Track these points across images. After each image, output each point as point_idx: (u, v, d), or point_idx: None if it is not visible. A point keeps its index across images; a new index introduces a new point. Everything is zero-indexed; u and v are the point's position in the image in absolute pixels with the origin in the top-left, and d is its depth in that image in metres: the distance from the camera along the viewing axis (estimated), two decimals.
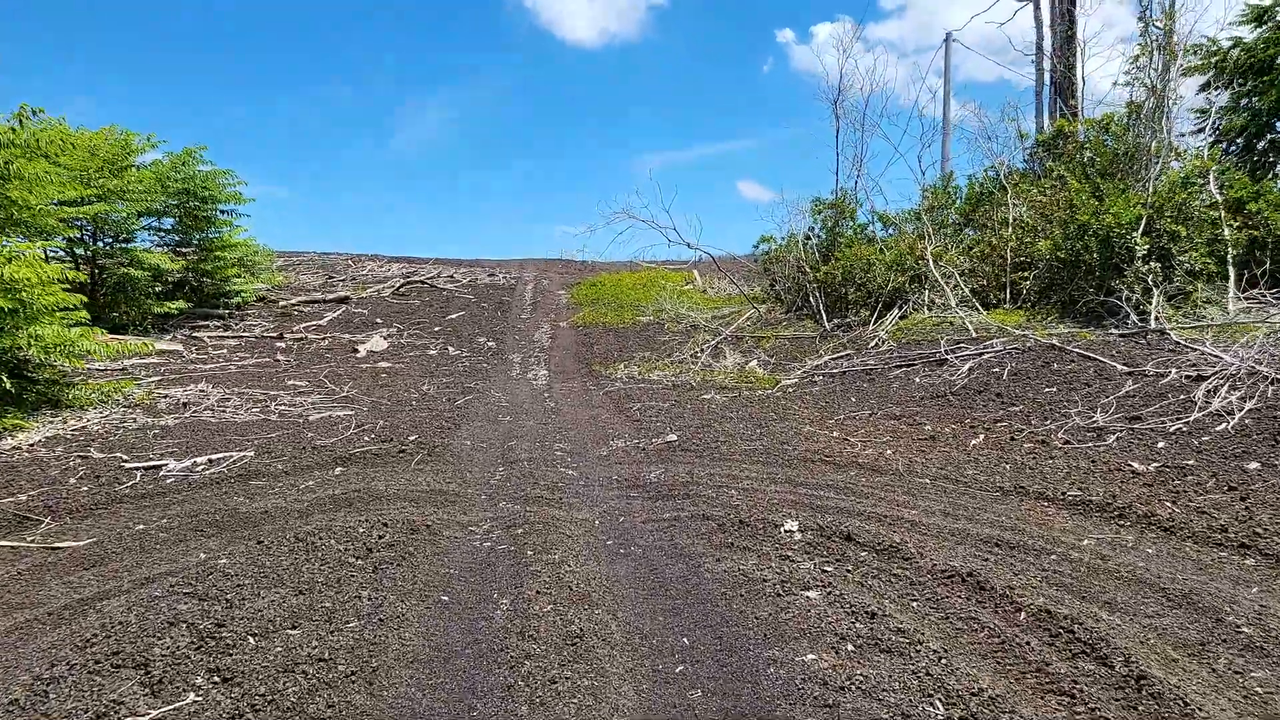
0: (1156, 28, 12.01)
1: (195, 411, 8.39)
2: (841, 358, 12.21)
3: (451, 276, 21.90)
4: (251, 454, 6.44)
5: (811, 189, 29.36)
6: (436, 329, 16.53)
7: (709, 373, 12.46)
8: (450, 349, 14.71)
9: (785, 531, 4.69)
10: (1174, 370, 7.86)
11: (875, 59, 36.68)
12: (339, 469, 6.10)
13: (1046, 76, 18.59)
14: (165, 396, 9.21)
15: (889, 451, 7.19)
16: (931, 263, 13.26)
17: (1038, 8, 19.13)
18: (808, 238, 16.65)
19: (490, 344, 15.27)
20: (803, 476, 6.24)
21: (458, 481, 5.85)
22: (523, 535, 4.62)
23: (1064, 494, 5.63)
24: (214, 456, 6.29)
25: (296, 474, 5.94)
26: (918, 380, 10.19)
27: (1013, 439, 7.45)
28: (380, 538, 4.31)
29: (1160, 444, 6.53)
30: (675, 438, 7.39)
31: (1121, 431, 6.95)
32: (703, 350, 13.96)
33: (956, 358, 10.51)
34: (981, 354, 10.40)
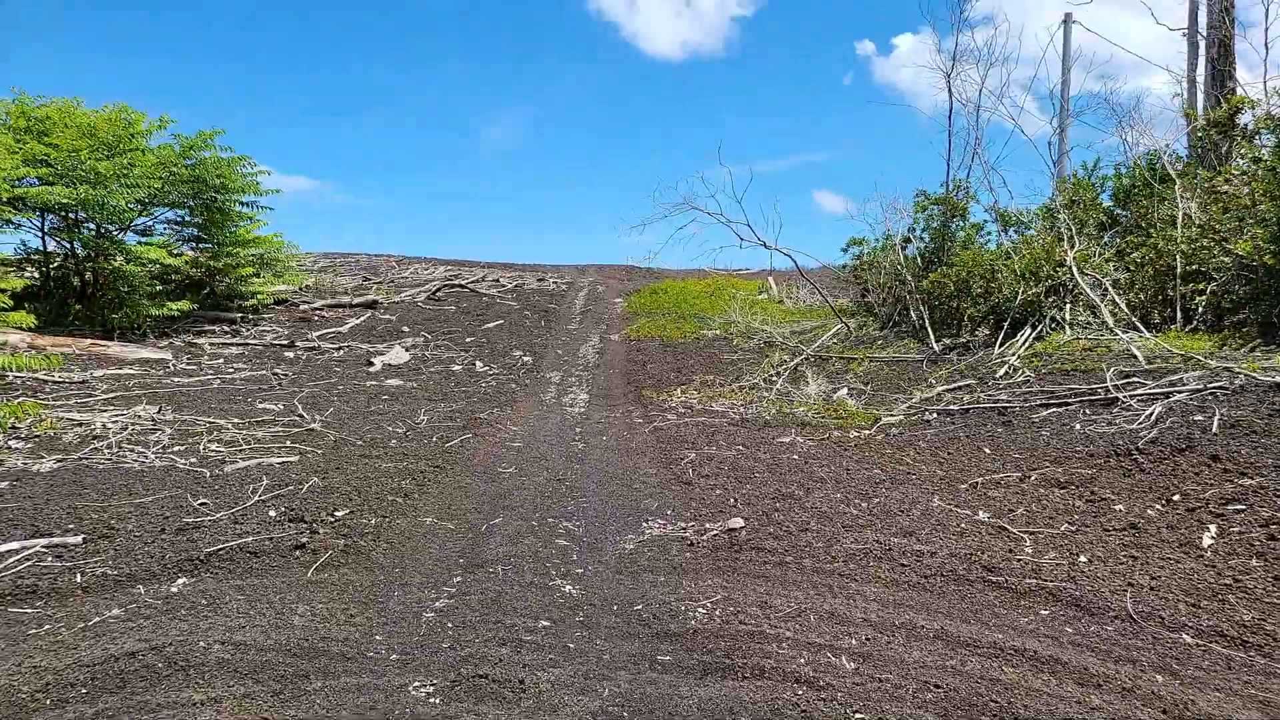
0: None
1: (94, 449, 6.27)
2: (960, 389, 9.44)
3: (497, 281, 19.78)
4: (79, 540, 4.20)
5: (904, 191, 26.20)
6: (469, 340, 14.34)
7: (786, 403, 9.86)
8: (478, 364, 12.47)
9: None
10: None
11: (994, 30, 32.10)
12: (181, 580, 3.79)
13: (1201, 52, 15.33)
14: (80, 424, 7.15)
15: (1083, 558, 4.52)
16: (1075, 271, 10.35)
17: None
18: (907, 240, 13.87)
19: (526, 359, 12.97)
20: (960, 622, 3.62)
21: (362, 618, 3.45)
22: None
23: None
24: (10, 545, 4.06)
25: (103, 591, 3.67)
26: (1078, 427, 7.38)
27: (1274, 539, 4.67)
28: None
29: None
30: (742, 522, 4.84)
31: None
32: (779, 373, 11.35)
33: (1131, 397, 7.66)
34: (1170, 393, 7.52)
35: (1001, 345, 10.27)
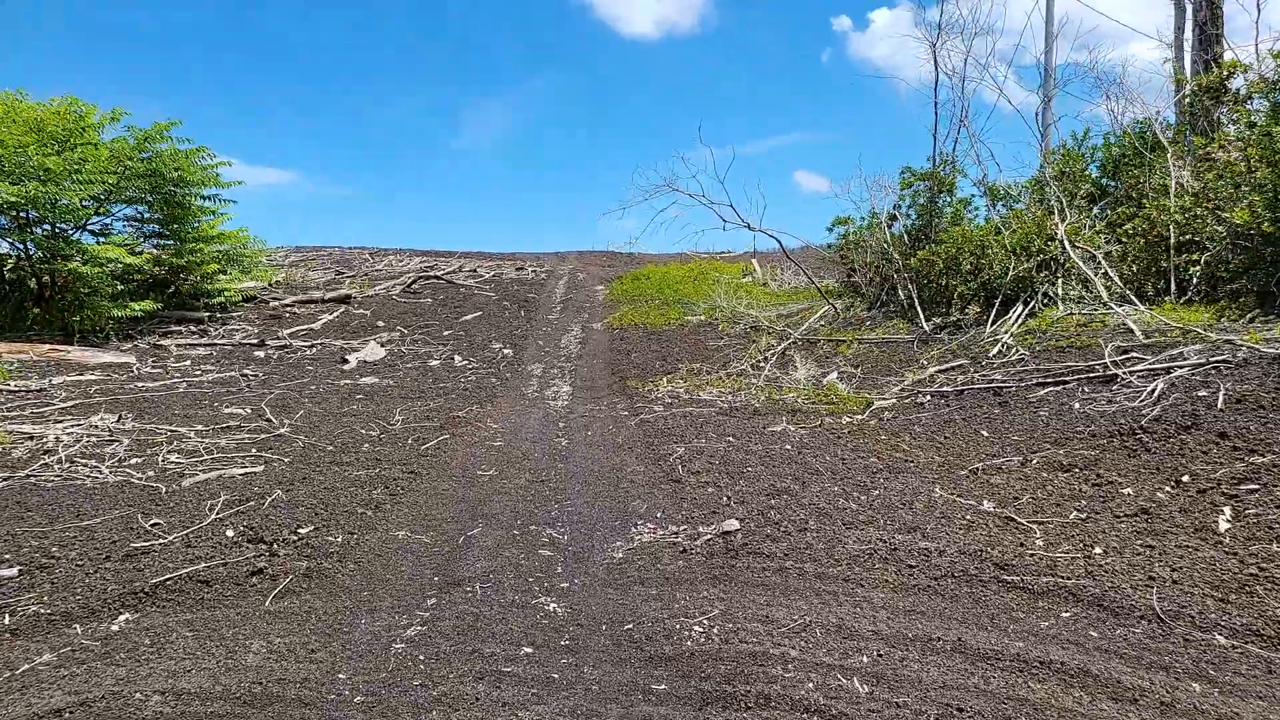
0: None
1: (45, 465, 5.86)
2: (953, 369, 9.19)
3: (474, 271, 19.32)
4: (14, 572, 3.83)
5: (888, 169, 25.78)
6: (446, 333, 13.93)
7: (776, 389, 9.57)
8: (457, 358, 12.08)
9: None
10: None
11: None
12: (124, 617, 3.43)
13: (1188, 16, 15.09)
14: (31, 437, 6.73)
15: (1098, 549, 4.26)
16: (1067, 244, 10.10)
17: None
18: (893, 217, 13.58)
19: (506, 351, 12.59)
20: (978, 631, 3.34)
21: (325, 652, 3.12)
22: None
23: None
24: None
25: (35, 633, 3.30)
26: (1078, 406, 7.13)
27: None
28: None
29: None
30: (737, 524, 4.53)
31: None
32: (767, 359, 11.06)
33: (1131, 373, 7.42)
34: (1171, 369, 7.29)
35: (994, 323, 10.02)
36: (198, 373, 11.04)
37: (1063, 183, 11.27)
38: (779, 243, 13.37)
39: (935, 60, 12.32)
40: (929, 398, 8.43)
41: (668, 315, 14.83)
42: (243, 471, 5.64)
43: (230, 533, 4.33)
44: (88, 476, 5.65)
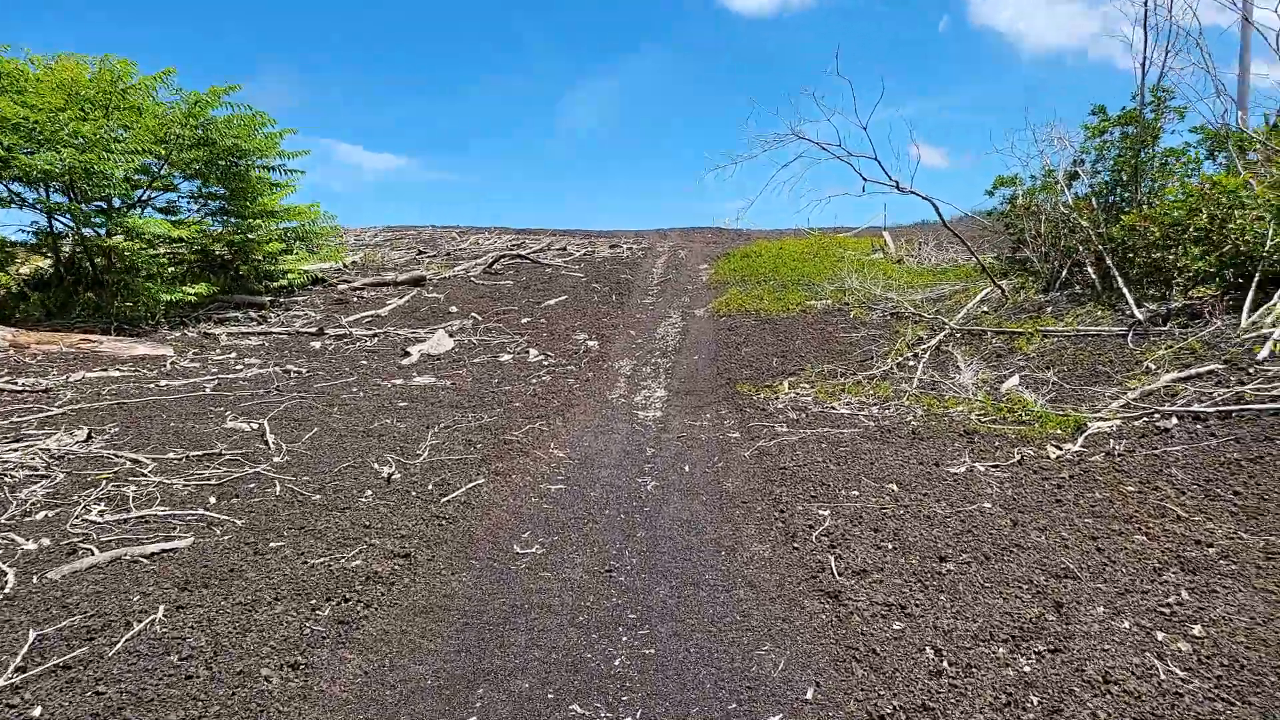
0: None
1: None
2: (1199, 377, 6.47)
3: (564, 249, 17.37)
4: None
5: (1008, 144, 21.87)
6: (525, 321, 12.00)
7: (935, 400, 7.12)
8: (532, 352, 10.12)
9: None
10: None
11: None
12: None
13: None
14: None
15: None
16: None
17: None
18: (1073, 175, 10.71)
19: (591, 344, 10.53)
20: None
21: None
22: None
23: None
24: None
25: None
26: None
27: None
28: None
29: None
30: None
31: None
32: (917, 355, 8.57)
33: None
34: None
35: (1251, 311, 7.18)
36: (239, 367, 9.51)
37: None
38: (935, 208, 10.70)
39: None
40: (1175, 420, 5.80)
41: (785, 299, 12.40)
42: (156, 550, 3.76)
43: None
44: None
